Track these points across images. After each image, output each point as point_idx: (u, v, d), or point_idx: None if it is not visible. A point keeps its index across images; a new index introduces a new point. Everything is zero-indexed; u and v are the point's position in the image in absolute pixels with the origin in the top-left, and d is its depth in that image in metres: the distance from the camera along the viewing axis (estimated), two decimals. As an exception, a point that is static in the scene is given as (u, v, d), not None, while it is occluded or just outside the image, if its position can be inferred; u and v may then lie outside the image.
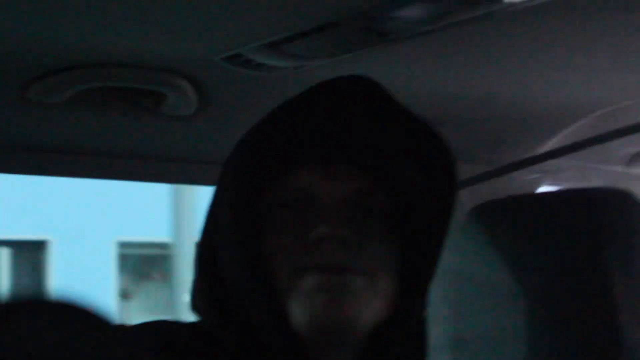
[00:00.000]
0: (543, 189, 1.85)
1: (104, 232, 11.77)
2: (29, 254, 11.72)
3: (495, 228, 1.41)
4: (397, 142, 0.99)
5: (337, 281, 0.91)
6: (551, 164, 1.72)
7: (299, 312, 0.91)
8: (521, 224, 1.40)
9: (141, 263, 12.73)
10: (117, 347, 0.41)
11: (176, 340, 0.95)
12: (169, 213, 9.05)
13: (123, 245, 12.13)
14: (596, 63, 1.34)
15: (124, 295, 12.04)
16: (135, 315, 10.59)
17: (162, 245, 10.33)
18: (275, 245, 0.94)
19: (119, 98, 1.30)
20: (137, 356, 0.44)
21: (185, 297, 1.07)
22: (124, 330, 0.78)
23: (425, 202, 0.99)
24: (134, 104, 1.32)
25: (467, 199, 1.62)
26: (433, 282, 0.97)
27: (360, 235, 0.93)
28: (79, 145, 1.46)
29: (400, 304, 0.96)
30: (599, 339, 1.27)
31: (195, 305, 1.00)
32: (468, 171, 1.69)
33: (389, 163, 0.98)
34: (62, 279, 11.08)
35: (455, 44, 1.20)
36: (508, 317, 1.35)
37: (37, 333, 0.39)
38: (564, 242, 1.33)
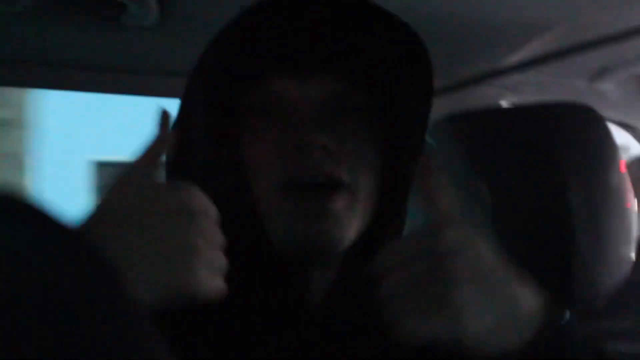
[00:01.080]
0: (505, 103, 1.87)
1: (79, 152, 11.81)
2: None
3: (458, 140, 1.44)
4: (370, 39, 0.96)
5: (317, 203, 0.89)
6: (513, 78, 1.73)
7: (279, 232, 0.90)
8: (483, 136, 1.42)
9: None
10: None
11: None
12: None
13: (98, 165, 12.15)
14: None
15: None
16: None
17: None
18: (255, 158, 0.92)
19: (79, 7, 1.29)
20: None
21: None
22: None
23: (403, 100, 0.97)
24: (94, 14, 1.31)
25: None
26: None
27: (340, 139, 0.91)
28: (41, 55, 1.45)
29: (380, 216, 0.96)
30: (554, 242, 1.30)
31: None
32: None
33: (363, 62, 0.96)
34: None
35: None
36: (472, 218, 1.38)
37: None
38: (524, 153, 1.36)
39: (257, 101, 0.93)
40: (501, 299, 0.76)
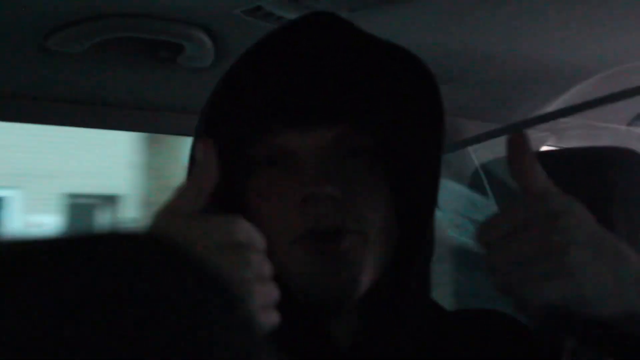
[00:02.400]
0: (548, 147, 1.88)
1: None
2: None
3: (502, 184, 1.45)
4: (372, 77, 0.94)
5: (330, 247, 0.88)
6: (556, 122, 1.74)
7: (296, 283, 0.89)
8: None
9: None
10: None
11: None
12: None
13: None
14: (602, 22, 1.35)
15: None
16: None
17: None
18: (263, 212, 0.91)
19: (137, 49, 1.31)
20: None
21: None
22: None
23: (412, 135, 0.95)
24: (152, 55, 1.33)
25: (474, 157, 1.64)
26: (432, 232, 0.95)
27: (348, 185, 0.89)
28: (98, 96, 1.47)
29: (398, 259, 0.94)
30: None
31: None
32: (475, 129, 1.71)
33: (364, 104, 0.94)
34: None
35: (463, 0, 1.21)
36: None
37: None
38: (574, 196, 1.36)
39: (259, 153, 0.92)
40: (614, 259, 0.74)
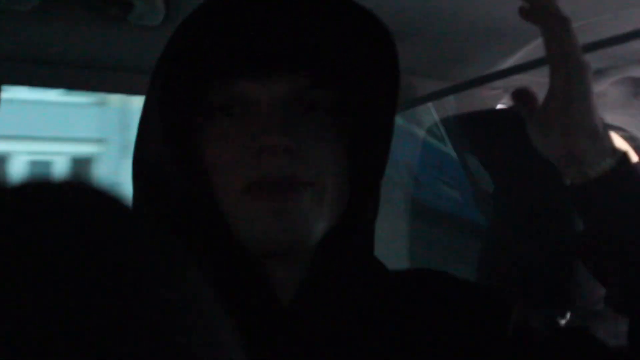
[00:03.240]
0: (502, 105, 1.88)
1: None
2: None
3: (457, 141, 1.45)
4: (332, 34, 0.94)
5: (282, 199, 0.88)
6: (512, 80, 1.74)
7: (243, 231, 0.89)
8: (482, 137, 1.44)
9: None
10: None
11: None
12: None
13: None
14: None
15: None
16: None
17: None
18: (216, 159, 0.90)
19: (86, 6, 1.29)
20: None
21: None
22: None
23: (367, 95, 0.95)
24: (101, 13, 1.31)
25: (430, 114, 1.64)
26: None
27: (304, 138, 0.89)
28: (47, 54, 1.45)
29: (349, 210, 0.94)
30: (557, 243, 1.32)
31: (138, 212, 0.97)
32: (431, 86, 1.71)
33: (324, 58, 0.93)
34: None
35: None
36: (465, 229, 1.40)
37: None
38: (526, 154, 1.37)
39: (216, 101, 0.92)
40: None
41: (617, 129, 2.43)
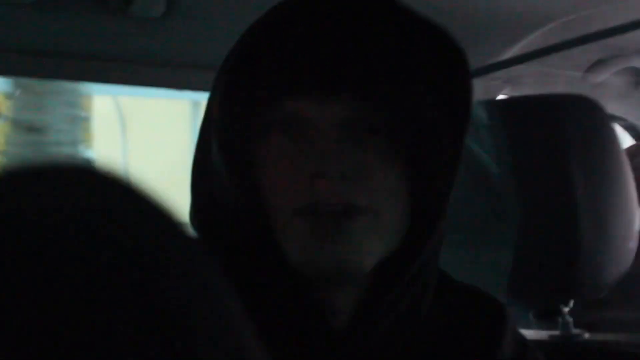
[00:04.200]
0: (503, 95, 1.88)
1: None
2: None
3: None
4: (400, 53, 0.89)
5: (335, 225, 0.85)
6: (513, 70, 1.74)
7: (295, 254, 0.86)
8: (484, 128, 1.44)
9: None
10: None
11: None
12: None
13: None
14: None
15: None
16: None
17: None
18: (271, 180, 0.87)
19: (87, -1, 1.30)
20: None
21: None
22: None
23: (434, 117, 0.91)
24: (103, 5, 1.31)
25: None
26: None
27: (361, 162, 0.86)
28: (48, 46, 1.45)
29: (409, 238, 0.90)
30: (560, 232, 1.32)
31: (193, 224, 0.95)
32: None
33: (383, 81, 0.89)
34: None
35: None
36: (470, 217, 1.40)
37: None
38: (528, 145, 1.37)
39: (275, 117, 0.89)
40: None
41: (618, 119, 2.44)
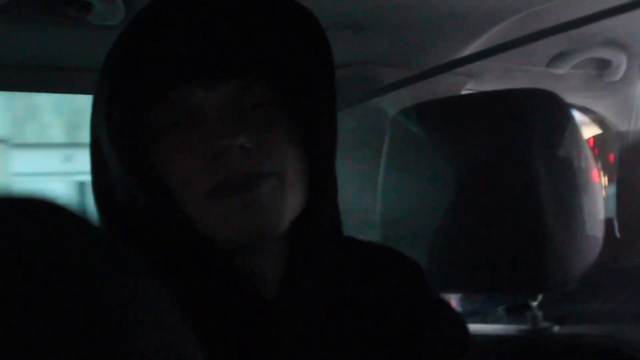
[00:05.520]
0: (466, 91, 1.89)
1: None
2: None
3: (422, 129, 1.46)
4: (268, 29, 0.95)
5: (246, 194, 0.89)
6: (475, 66, 1.75)
7: (216, 232, 0.90)
8: (447, 124, 1.44)
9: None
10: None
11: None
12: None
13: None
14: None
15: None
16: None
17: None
18: (175, 169, 0.91)
19: (45, 7, 1.28)
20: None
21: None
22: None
23: (305, 86, 0.97)
24: (60, 14, 1.30)
25: (393, 103, 1.65)
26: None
27: (255, 132, 0.91)
28: (7, 56, 1.44)
29: (312, 195, 0.96)
30: (525, 227, 1.33)
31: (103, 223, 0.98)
32: (394, 75, 1.71)
33: (262, 55, 0.95)
34: None
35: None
36: (433, 213, 1.41)
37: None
38: (490, 140, 1.38)
39: (163, 116, 0.92)
40: None
41: (585, 110, 2.45)
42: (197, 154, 0.90)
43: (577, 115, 2.42)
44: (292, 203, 0.93)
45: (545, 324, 1.45)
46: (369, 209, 1.47)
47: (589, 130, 2.49)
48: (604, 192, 1.56)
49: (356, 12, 1.48)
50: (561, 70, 2.00)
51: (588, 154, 1.40)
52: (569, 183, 1.36)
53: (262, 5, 0.94)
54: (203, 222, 0.90)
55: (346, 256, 1.05)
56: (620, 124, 2.42)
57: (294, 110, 0.97)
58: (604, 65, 2.14)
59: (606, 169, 1.71)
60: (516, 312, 1.45)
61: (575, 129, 1.39)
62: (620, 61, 2.12)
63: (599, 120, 2.46)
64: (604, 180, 1.66)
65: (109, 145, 0.91)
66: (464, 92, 1.89)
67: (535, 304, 1.43)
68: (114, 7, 1.28)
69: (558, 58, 1.98)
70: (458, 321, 1.13)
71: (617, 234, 1.62)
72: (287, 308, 0.95)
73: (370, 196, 1.48)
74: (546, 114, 1.39)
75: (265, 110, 0.95)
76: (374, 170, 1.46)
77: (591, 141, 1.87)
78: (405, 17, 1.55)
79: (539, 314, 1.43)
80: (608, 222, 1.51)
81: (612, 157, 1.90)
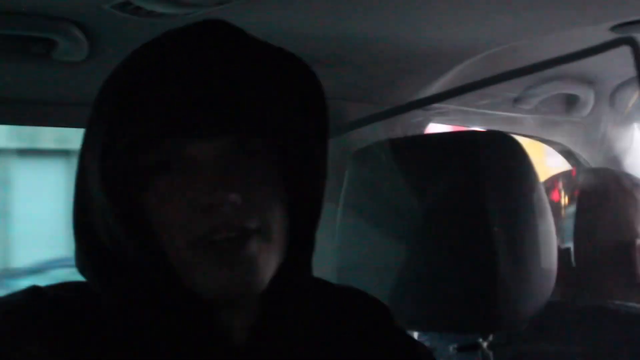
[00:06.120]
0: (429, 130, 1.91)
1: None
2: None
3: (379, 169, 1.47)
4: (262, 83, 0.95)
5: (232, 251, 0.90)
6: (437, 105, 1.77)
7: (197, 284, 0.91)
8: (404, 164, 1.46)
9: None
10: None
11: (63, 304, 0.94)
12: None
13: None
14: (481, 5, 1.39)
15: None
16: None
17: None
18: (162, 218, 0.91)
19: (9, 44, 1.30)
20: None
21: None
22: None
23: (297, 140, 0.97)
24: (25, 51, 1.32)
25: (353, 141, 1.66)
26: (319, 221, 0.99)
27: (246, 187, 0.91)
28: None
29: (292, 250, 0.97)
30: (477, 272, 1.35)
31: (80, 267, 0.98)
32: (358, 110, 1.73)
33: (256, 109, 0.94)
34: None
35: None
36: (389, 252, 1.42)
37: None
38: (446, 182, 1.40)
39: (154, 162, 0.92)
40: None
41: (555, 144, 2.47)
42: (187, 203, 0.90)
43: (543, 146, 2.46)
44: (274, 260, 0.94)
45: (496, 364, 1.46)
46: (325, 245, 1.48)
47: (554, 161, 2.52)
48: (563, 225, 1.58)
49: (323, 48, 1.49)
50: (527, 106, 2.03)
51: (542, 195, 1.41)
52: (522, 224, 1.37)
53: (263, 60, 0.95)
54: (187, 272, 0.91)
55: (314, 299, 1.05)
56: (588, 158, 2.45)
57: (284, 162, 0.97)
58: (571, 101, 2.16)
59: (567, 204, 1.72)
60: (467, 350, 1.46)
61: (530, 170, 1.41)
62: (588, 97, 2.15)
63: (565, 152, 2.48)
64: (563, 212, 1.67)
65: (99, 186, 0.91)
66: (426, 130, 1.90)
67: (485, 344, 1.45)
68: (78, 44, 1.29)
69: (526, 93, 2.00)
70: (427, 355, 1.17)
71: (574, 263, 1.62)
72: (258, 356, 0.96)
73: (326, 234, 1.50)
74: (501, 156, 1.41)
75: (257, 162, 0.95)
76: (332, 210, 1.47)
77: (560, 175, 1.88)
78: (371, 54, 1.57)
79: (490, 353, 1.45)
80: (565, 253, 1.54)
81: (577, 192, 1.92)
